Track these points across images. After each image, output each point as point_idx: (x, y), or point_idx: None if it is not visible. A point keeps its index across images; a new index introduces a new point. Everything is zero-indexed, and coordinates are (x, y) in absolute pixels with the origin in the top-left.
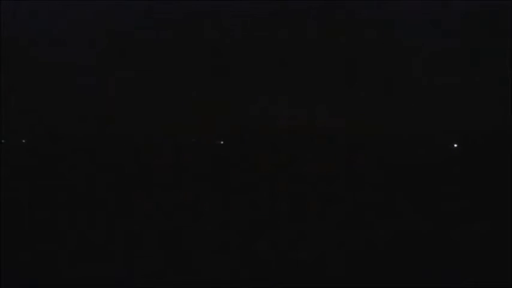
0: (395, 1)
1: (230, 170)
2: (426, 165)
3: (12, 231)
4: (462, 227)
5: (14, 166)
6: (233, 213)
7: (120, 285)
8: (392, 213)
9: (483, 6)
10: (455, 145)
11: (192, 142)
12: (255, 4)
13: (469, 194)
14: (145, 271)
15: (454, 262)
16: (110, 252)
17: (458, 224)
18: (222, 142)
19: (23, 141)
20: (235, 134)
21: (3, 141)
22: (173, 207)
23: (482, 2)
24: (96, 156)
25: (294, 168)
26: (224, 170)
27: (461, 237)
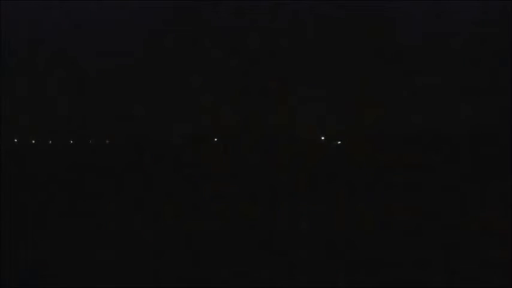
0: (395, 1)
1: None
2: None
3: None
4: (459, 226)
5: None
6: None
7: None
8: (392, 212)
9: (483, 7)
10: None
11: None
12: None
13: (468, 192)
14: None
15: (453, 262)
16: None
17: (456, 223)
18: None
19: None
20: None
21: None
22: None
23: (482, 2)
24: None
25: None
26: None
27: (459, 236)
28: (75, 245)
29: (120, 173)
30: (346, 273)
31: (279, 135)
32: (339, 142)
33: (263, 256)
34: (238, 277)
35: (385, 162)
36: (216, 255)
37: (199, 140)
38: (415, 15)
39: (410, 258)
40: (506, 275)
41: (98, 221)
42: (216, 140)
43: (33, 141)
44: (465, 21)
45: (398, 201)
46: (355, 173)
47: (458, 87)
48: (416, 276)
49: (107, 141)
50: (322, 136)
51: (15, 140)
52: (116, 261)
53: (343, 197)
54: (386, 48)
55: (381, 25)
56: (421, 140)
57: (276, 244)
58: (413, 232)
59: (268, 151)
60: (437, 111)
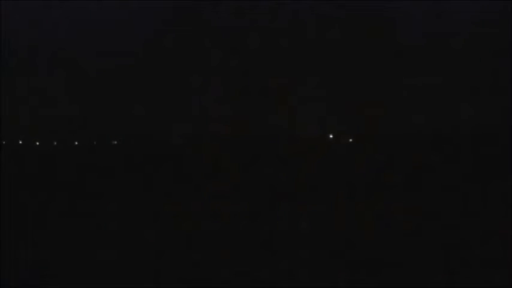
0: (395, 1)
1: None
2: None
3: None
4: (460, 226)
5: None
6: None
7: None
8: (392, 211)
9: (483, 7)
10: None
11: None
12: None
13: (468, 192)
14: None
15: (453, 262)
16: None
17: (457, 223)
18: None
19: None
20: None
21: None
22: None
23: (482, 2)
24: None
25: None
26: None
27: (459, 236)
28: (75, 245)
29: (120, 173)
30: (347, 273)
31: (279, 135)
32: (350, 140)
33: (263, 256)
34: (238, 277)
35: (385, 162)
36: (216, 255)
37: (199, 139)
38: (415, 15)
39: (410, 258)
40: (506, 275)
41: (98, 220)
42: (216, 140)
43: (36, 142)
44: (465, 21)
45: (399, 201)
46: (355, 172)
47: (459, 87)
48: (416, 276)
49: (115, 142)
50: (323, 135)
51: (19, 141)
52: (116, 261)
53: (344, 197)
54: (386, 48)
55: (381, 25)
56: (421, 140)
57: (276, 244)
58: (414, 232)
59: (268, 151)
60: (437, 111)
